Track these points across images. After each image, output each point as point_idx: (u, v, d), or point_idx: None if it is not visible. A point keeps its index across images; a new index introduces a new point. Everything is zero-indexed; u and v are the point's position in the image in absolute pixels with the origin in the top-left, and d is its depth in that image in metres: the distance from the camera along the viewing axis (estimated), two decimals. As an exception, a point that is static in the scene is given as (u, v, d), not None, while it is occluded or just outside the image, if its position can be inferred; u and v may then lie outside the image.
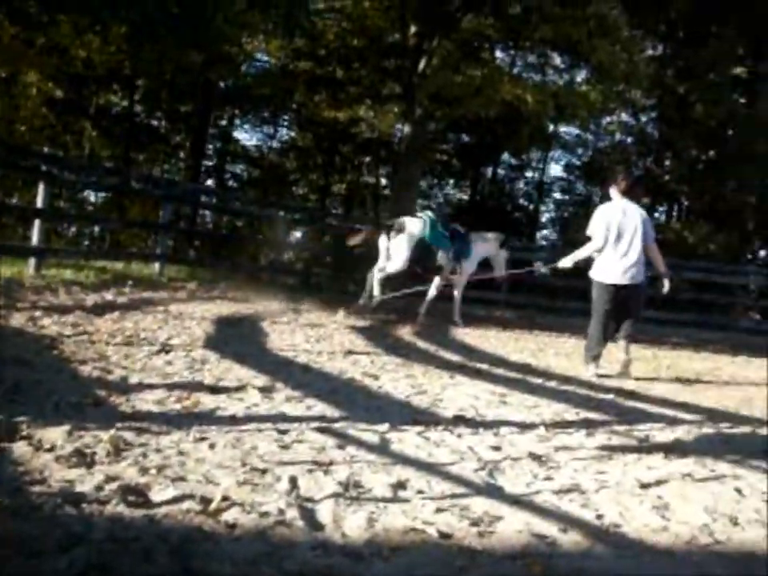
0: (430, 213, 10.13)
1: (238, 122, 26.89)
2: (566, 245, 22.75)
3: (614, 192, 6.98)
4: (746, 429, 4.68)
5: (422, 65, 15.94)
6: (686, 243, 20.04)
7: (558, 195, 26.56)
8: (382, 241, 9.47)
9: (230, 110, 25.80)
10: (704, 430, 4.56)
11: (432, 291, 10.05)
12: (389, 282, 9.83)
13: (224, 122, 26.59)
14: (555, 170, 26.63)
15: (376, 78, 18.92)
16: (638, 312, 7.00)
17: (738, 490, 3.20)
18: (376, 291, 9.43)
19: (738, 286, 19.16)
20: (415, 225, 9.47)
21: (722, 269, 17.85)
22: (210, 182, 25.45)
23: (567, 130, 24.92)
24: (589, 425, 4.33)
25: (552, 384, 6.03)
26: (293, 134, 27.02)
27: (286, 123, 26.72)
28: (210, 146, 25.80)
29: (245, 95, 22.77)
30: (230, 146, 26.76)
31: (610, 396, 5.65)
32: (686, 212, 23.58)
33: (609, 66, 15.78)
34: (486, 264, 10.71)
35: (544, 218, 27.08)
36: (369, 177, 26.23)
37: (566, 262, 7.25)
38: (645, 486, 3.12)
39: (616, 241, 6.67)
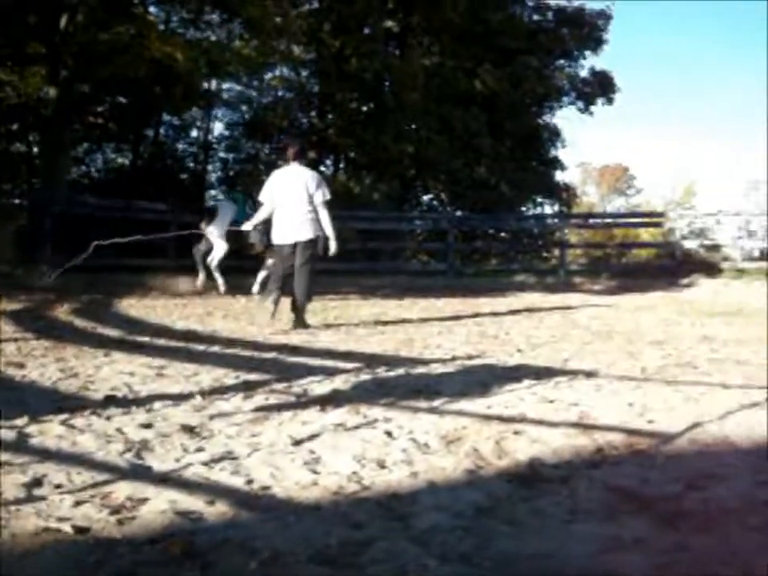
0: (238, 194, 11.38)
1: None
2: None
3: (288, 157, 7.60)
4: (401, 370, 5.09)
5: (63, 21, 14.71)
6: (352, 194, 21.32)
7: (223, 154, 26.47)
8: (203, 225, 10.80)
9: None
10: (361, 377, 4.87)
11: (263, 269, 10.63)
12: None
13: None
14: (219, 128, 26.21)
15: (19, 37, 17.02)
16: (305, 269, 7.38)
17: (389, 433, 3.45)
18: (218, 276, 10.75)
19: (405, 231, 20.94)
20: (227, 207, 10.84)
21: (387, 216, 19.38)
22: None
23: (229, 87, 24.84)
24: (248, 387, 4.41)
25: (215, 349, 6.05)
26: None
27: None
28: None
29: None
30: None
31: (273, 354, 5.81)
32: (351, 164, 24.92)
33: (261, 21, 15.93)
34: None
35: (213, 177, 26.87)
36: (20, 145, 23.79)
37: (247, 226, 7.92)
38: (298, 442, 3.24)
39: (283, 203, 7.36)
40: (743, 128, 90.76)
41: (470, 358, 5.74)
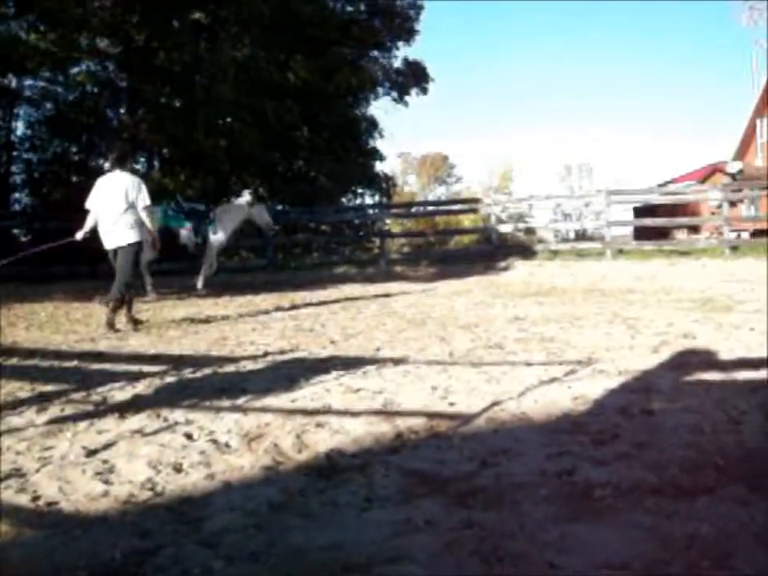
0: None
1: None
2: (43, 207, 21.67)
3: (110, 163, 8.05)
4: (208, 370, 5.04)
5: None
6: (167, 191, 20.69)
7: (27, 155, 24.82)
8: None
9: None
10: (166, 380, 4.79)
11: (205, 266, 11.68)
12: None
13: None
14: (22, 127, 24.47)
15: None
16: (123, 273, 7.61)
17: (189, 435, 3.43)
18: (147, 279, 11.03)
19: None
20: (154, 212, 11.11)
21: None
22: None
23: (31, 83, 23.30)
24: (43, 399, 4.23)
25: (13, 361, 5.72)
26: None
27: None
28: None
29: None
30: None
31: (74, 362, 5.58)
32: (164, 160, 24.16)
33: (58, 13, 15.10)
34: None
35: (18, 180, 25.12)
36: None
37: (79, 235, 7.77)
38: (92, 453, 3.16)
39: (106, 210, 7.62)
40: (559, 114, 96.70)
41: (281, 352, 5.76)
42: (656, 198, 19.13)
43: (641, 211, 28.26)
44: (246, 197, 12.64)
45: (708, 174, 35.85)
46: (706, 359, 4.71)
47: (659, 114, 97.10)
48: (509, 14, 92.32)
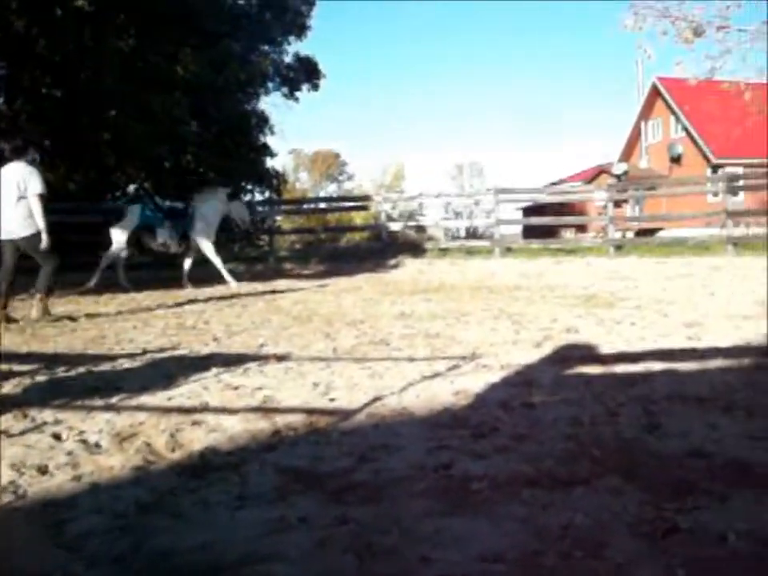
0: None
1: None
2: None
3: (8, 154, 7.91)
4: (82, 369, 4.85)
5: None
6: (48, 185, 19.81)
7: None
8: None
9: None
10: (37, 379, 4.59)
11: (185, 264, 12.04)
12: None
13: None
14: None
15: None
16: (44, 261, 7.86)
17: (57, 436, 3.28)
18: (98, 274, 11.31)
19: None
20: (131, 212, 11.59)
21: (84, 208, 18.25)
22: None
23: None
24: None
25: None
26: None
27: None
28: None
29: None
30: None
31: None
32: (45, 152, 23.15)
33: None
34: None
35: None
36: None
37: None
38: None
39: (2, 201, 7.66)
40: (451, 113, 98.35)
41: (161, 350, 5.62)
42: (544, 198, 19.74)
43: (530, 210, 29.07)
44: (222, 192, 12.49)
45: (595, 174, 37.30)
46: (587, 353, 4.84)
47: (550, 115, 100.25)
48: (401, 12, 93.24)
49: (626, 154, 39.73)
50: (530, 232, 24.45)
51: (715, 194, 22.93)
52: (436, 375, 4.31)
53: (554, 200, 21.66)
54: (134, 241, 11.79)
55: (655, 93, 38.31)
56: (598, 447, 2.89)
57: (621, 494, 2.44)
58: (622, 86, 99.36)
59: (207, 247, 11.97)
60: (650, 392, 3.71)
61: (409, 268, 14.89)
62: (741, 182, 17.36)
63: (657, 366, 4.35)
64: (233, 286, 11.45)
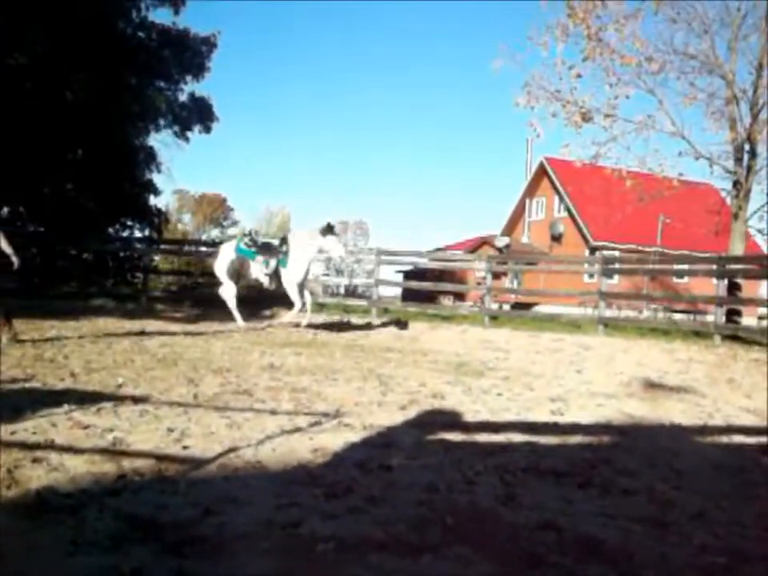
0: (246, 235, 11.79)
1: None
2: None
3: None
4: None
5: None
6: None
7: None
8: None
9: None
10: None
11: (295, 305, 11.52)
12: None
13: None
14: None
15: None
16: None
17: None
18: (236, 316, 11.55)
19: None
20: (227, 247, 11.84)
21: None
22: None
23: None
24: None
25: None
26: None
27: None
28: None
29: None
30: None
31: None
32: None
33: None
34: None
35: None
36: None
37: None
38: None
39: None
40: (340, 170, 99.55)
41: (13, 381, 5.41)
42: (425, 263, 20.06)
43: (410, 274, 29.55)
44: (317, 226, 11.84)
45: (477, 245, 38.39)
46: (450, 420, 4.89)
47: (440, 182, 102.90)
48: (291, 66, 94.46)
49: (509, 228, 41.17)
50: (409, 295, 24.82)
51: (591, 275, 23.99)
52: (296, 430, 4.26)
53: (435, 266, 22.08)
54: (233, 273, 11.63)
55: (542, 171, 40.05)
56: (452, 515, 2.89)
57: (469, 564, 2.45)
58: (512, 162, 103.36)
59: (290, 284, 11.52)
60: (509, 463, 3.76)
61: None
62: (617, 265, 18.19)
63: (518, 437, 4.44)
64: (303, 323, 11.59)
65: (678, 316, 25.77)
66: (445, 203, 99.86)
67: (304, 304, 11.57)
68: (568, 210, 37.80)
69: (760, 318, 26.55)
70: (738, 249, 16.23)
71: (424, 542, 2.60)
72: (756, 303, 20.26)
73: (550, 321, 16.08)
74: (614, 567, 2.51)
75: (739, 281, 15.67)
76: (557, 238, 38.28)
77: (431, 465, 3.64)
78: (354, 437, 4.17)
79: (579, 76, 16.67)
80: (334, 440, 4.04)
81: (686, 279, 28.71)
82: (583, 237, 36.11)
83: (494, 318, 15.60)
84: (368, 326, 13.26)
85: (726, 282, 14.01)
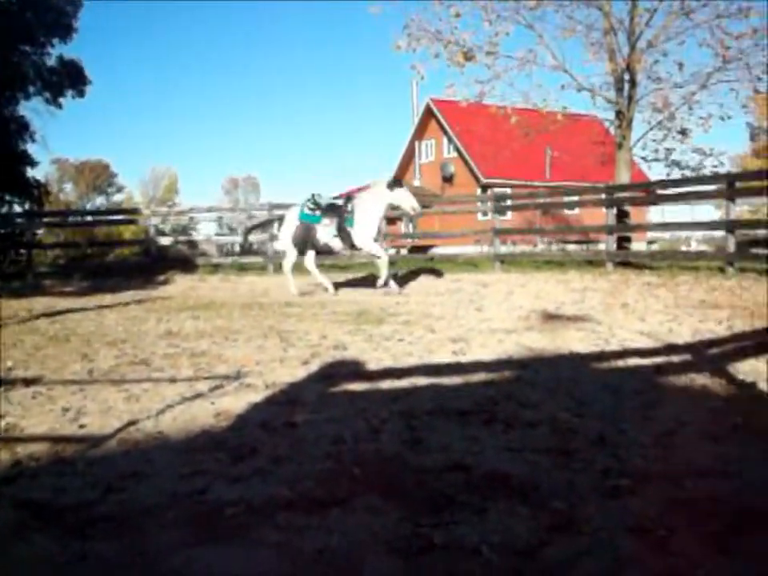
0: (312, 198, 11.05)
1: None
2: None
3: None
4: None
5: None
6: None
7: None
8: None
9: None
10: None
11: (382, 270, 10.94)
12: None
13: None
14: None
15: None
16: None
17: None
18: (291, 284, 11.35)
19: None
20: (291, 213, 11.39)
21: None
22: None
23: None
24: None
25: None
26: None
27: None
28: None
29: None
30: None
31: None
32: None
33: None
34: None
35: None
36: None
37: None
38: None
39: None
40: (226, 126, 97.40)
41: None
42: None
43: (306, 226, 29.19)
44: (374, 182, 11.30)
45: (370, 191, 38.38)
46: (353, 370, 4.90)
47: (328, 132, 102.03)
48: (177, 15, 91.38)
49: (401, 172, 41.27)
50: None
51: (485, 214, 24.32)
52: (197, 396, 4.19)
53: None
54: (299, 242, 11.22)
55: (429, 113, 40.21)
56: (359, 465, 2.90)
57: (379, 513, 2.46)
58: (400, 106, 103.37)
59: (368, 245, 10.90)
60: (414, 407, 3.80)
61: (179, 284, 14.50)
62: (508, 202, 18.51)
63: (422, 381, 4.48)
64: (394, 289, 10.85)
65: (571, 247, 26.58)
66: (335, 153, 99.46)
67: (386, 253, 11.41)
68: (457, 150, 38.14)
69: (649, 242, 27.64)
70: (624, 177, 16.70)
71: (332, 496, 2.60)
72: (644, 228, 21.06)
73: (447, 262, 16.29)
74: (522, 500, 2.57)
75: (627, 208, 16.20)
76: (448, 179, 38.65)
77: (336, 417, 3.64)
78: (257, 397, 4.13)
79: (458, 15, 16.69)
80: (236, 402, 3.99)
81: (576, 211, 29.47)
82: (474, 176, 36.56)
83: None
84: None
85: (614, 210, 14.46)
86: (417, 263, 16.20)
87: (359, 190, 13.63)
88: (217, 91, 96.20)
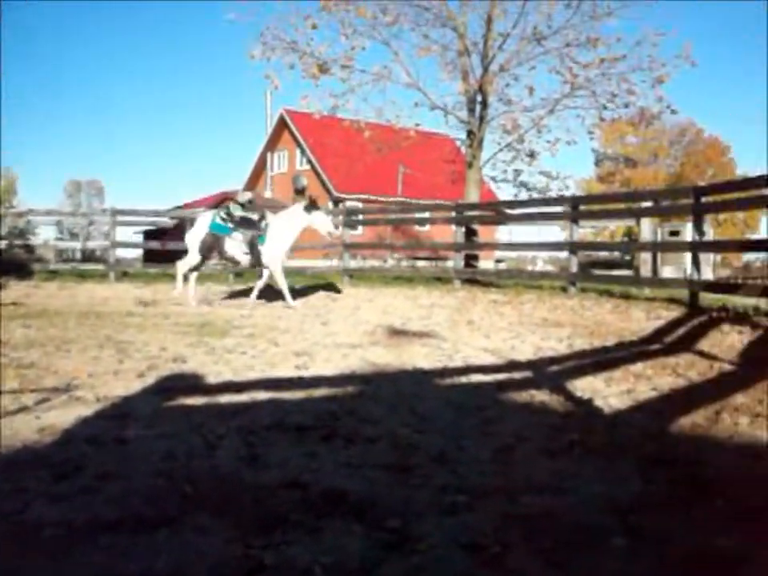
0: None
1: None
2: None
3: None
4: None
5: None
6: None
7: None
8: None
9: None
10: None
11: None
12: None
13: None
14: None
15: None
16: None
17: None
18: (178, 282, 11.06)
19: None
20: (203, 218, 11.10)
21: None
22: None
23: None
24: None
25: None
26: None
27: None
28: None
29: None
30: None
31: None
32: None
33: None
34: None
35: None
36: None
37: None
38: None
39: None
40: (70, 126, 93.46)
41: None
42: (166, 222, 19.43)
43: (151, 234, 28.56)
44: (300, 202, 11.15)
45: (220, 200, 37.63)
46: (192, 383, 4.78)
47: (179, 137, 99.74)
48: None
49: (252, 183, 40.94)
50: (150, 257, 23.98)
51: (336, 227, 24.40)
52: (21, 410, 3.97)
53: (174, 224, 21.50)
54: (205, 250, 10.82)
55: (282, 124, 40.07)
56: (191, 483, 2.82)
57: (209, 533, 2.40)
58: (253, 115, 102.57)
59: (274, 265, 10.54)
60: (252, 422, 3.74)
61: (12, 291, 13.74)
62: (360, 216, 18.66)
63: (262, 395, 4.43)
64: (293, 305, 10.29)
65: (420, 263, 27.06)
66: (186, 160, 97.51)
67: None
68: (310, 162, 38.19)
69: (497, 261, 28.54)
70: (473, 196, 17.16)
71: (161, 515, 2.51)
72: (491, 247, 21.71)
73: (297, 274, 16.22)
74: (358, 517, 2.56)
75: (475, 226, 16.66)
76: (300, 191, 38.45)
77: (170, 432, 3.53)
78: (86, 411, 3.95)
79: (315, 27, 16.71)
80: (63, 416, 3.81)
81: (427, 227, 30.09)
82: (326, 189, 36.67)
83: (239, 275, 15.50)
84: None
85: (463, 228, 14.84)
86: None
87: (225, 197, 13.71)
88: (61, 90, 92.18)
